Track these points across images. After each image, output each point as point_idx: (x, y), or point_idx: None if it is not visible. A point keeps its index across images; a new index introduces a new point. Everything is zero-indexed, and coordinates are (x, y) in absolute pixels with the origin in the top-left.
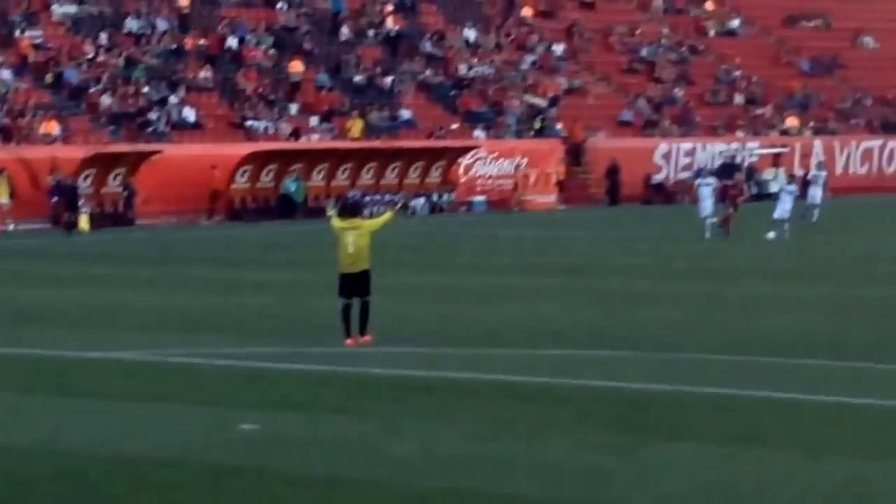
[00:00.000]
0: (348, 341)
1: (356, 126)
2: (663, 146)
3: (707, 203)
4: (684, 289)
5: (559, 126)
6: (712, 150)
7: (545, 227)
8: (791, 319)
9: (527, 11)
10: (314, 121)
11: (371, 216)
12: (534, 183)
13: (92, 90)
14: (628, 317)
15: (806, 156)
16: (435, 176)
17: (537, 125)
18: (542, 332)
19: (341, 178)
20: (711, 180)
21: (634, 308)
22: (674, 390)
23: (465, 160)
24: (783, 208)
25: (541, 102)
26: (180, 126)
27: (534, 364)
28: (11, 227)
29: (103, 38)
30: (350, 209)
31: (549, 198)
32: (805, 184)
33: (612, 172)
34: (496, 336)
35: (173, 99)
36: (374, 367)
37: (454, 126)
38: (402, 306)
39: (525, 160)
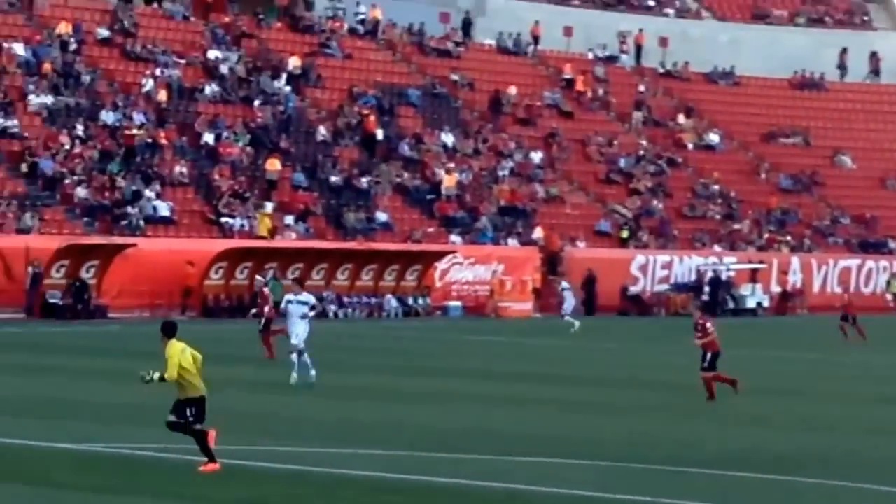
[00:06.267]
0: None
1: (264, 223)
2: (640, 258)
3: None
4: (652, 400)
5: (536, 234)
6: (689, 264)
7: (519, 334)
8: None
9: (505, 119)
10: (289, 219)
11: (346, 318)
12: (510, 290)
13: (67, 181)
14: (587, 425)
15: (784, 272)
16: (411, 279)
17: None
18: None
19: (316, 278)
20: None
21: (598, 417)
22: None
23: (441, 264)
24: None
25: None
26: (155, 220)
27: (485, 469)
28: None
29: (79, 129)
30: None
31: (526, 305)
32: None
33: (589, 282)
34: (444, 440)
35: (148, 192)
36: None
37: (430, 230)
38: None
39: (501, 267)
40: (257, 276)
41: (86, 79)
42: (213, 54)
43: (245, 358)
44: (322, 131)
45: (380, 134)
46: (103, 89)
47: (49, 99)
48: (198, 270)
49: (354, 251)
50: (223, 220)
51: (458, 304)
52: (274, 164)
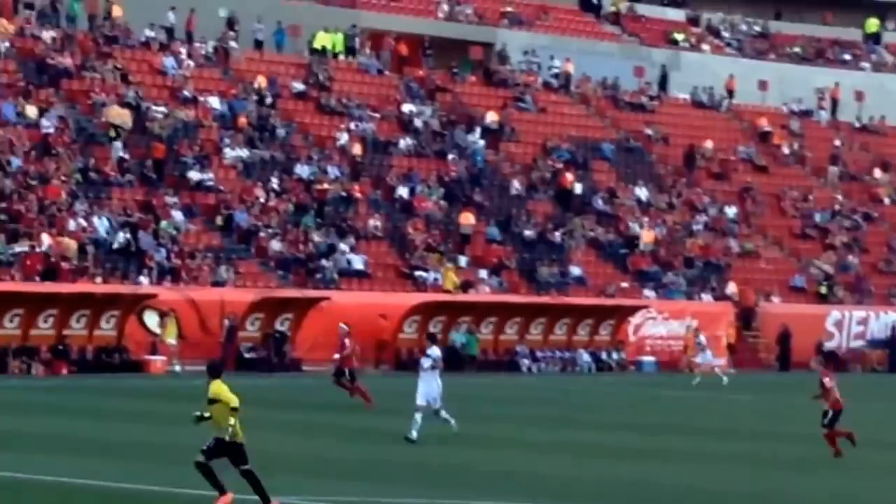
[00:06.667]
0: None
1: (449, 278)
2: (835, 313)
3: None
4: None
5: (730, 289)
6: (885, 320)
7: (713, 389)
8: None
9: (699, 173)
10: (483, 273)
11: (539, 372)
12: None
13: (262, 234)
14: (779, 482)
15: None
16: (604, 334)
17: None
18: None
19: (509, 332)
20: None
21: (792, 473)
22: None
23: (634, 319)
24: None
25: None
26: (349, 273)
27: None
28: (178, 367)
29: (274, 182)
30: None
31: (719, 361)
32: None
33: (784, 337)
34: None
35: (342, 246)
36: None
37: (624, 284)
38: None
39: (695, 322)
40: (341, 325)
41: (281, 132)
42: (407, 108)
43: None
44: (516, 185)
45: (575, 188)
46: (298, 143)
47: (244, 152)
48: (391, 324)
49: (548, 305)
50: (417, 273)
51: (651, 359)
52: (468, 218)
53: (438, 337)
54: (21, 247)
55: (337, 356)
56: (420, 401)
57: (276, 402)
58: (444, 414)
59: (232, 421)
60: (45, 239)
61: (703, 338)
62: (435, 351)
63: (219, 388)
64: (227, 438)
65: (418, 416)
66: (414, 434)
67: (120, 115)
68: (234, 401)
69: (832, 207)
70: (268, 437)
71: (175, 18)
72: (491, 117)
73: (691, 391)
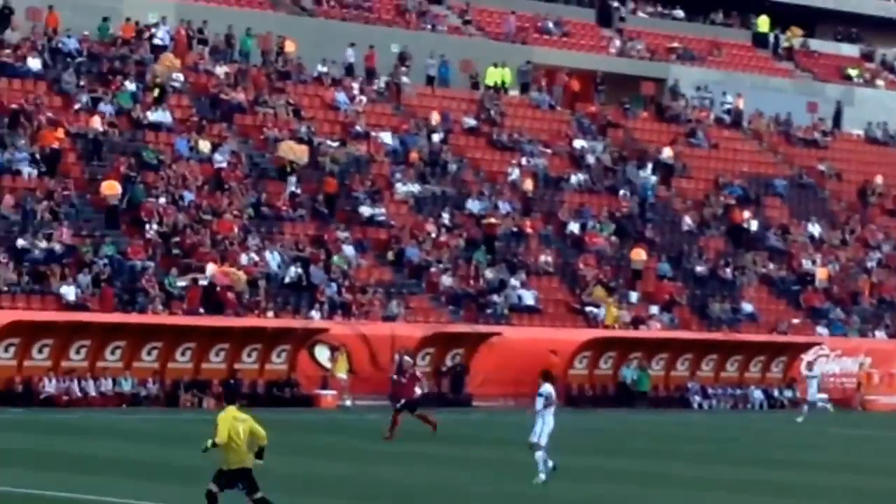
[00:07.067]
0: None
1: (610, 313)
2: None
3: None
4: None
5: None
6: None
7: (887, 428)
8: None
9: (873, 210)
10: (654, 309)
11: (710, 409)
12: (878, 383)
13: (433, 269)
14: None
15: None
16: (776, 371)
17: None
18: None
19: (681, 368)
20: None
21: None
22: None
23: (807, 356)
24: None
25: None
26: (519, 309)
27: None
28: (349, 402)
29: (445, 217)
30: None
31: (894, 398)
32: None
33: None
34: None
35: (514, 281)
36: None
37: (796, 321)
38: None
39: (869, 359)
40: (405, 357)
41: (452, 167)
42: (579, 143)
43: (610, 449)
44: (687, 221)
45: (751, 225)
46: (469, 178)
47: (416, 187)
48: (562, 359)
49: (719, 342)
50: (587, 309)
51: (824, 396)
52: (639, 254)
53: (554, 374)
54: (183, 280)
55: (393, 376)
56: (533, 438)
57: (447, 437)
58: (542, 454)
59: (207, 444)
60: (209, 269)
61: (812, 372)
62: (547, 388)
63: (222, 416)
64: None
65: (538, 456)
66: (542, 477)
67: (295, 150)
68: (220, 436)
69: None
70: (428, 470)
71: (353, 55)
72: (667, 153)
73: (865, 429)
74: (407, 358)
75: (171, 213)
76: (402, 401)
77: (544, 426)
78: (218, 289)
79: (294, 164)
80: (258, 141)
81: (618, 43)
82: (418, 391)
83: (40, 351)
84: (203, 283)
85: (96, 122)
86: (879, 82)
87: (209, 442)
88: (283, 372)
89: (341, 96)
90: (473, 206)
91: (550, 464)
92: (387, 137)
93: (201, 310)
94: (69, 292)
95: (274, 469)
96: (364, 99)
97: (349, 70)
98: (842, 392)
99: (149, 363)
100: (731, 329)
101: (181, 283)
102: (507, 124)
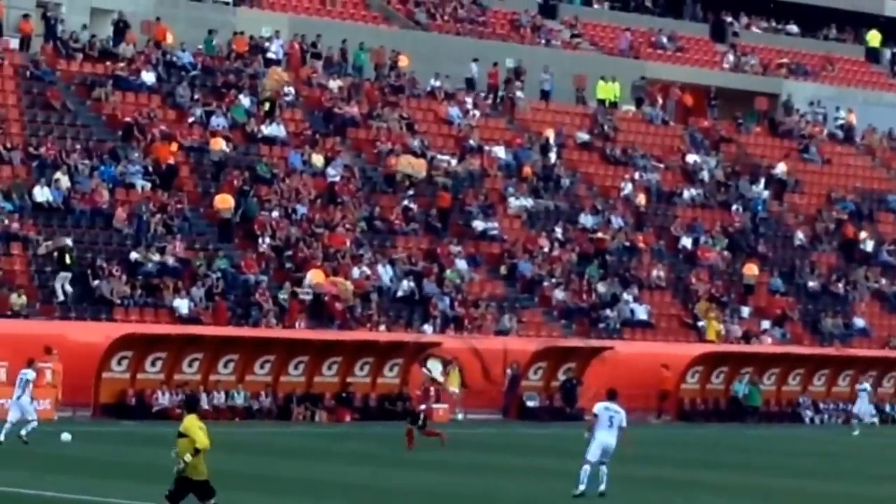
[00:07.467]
0: None
1: (711, 327)
2: None
3: None
4: None
5: None
6: None
7: None
8: None
9: None
10: (766, 324)
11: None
12: None
13: (545, 284)
14: None
15: None
16: (887, 386)
17: None
18: None
19: (792, 383)
20: None
21: None
22: None
23: None
24: None
25: None
26: (632, 323)
27: None
28: (461, 416)
29: (558, 232)
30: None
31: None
32: None
33: None
34: None
35: (626, 296)
36: None
37: None
38: None
39: None
40: (424, 370)
41: (565, 182)
42: (691, 158)
43: (719, 462)
44: (800, 236)
45: (865, 243)
46: (582, 192)
47: (529, 202)
48: (674, 374)
49: (831, 357)
50: (700, 323)
51: None
52: (751, 269)
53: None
54: (285, 292)
55: (423, 407)
56: (589, 456)
57: (559, 451)
58: (606, 469)
59: (188, 458)
60: (310, 276)
61: (866, 385)
62: (596, 406)
63: (191, 423)
64: (177, 472)
65: (586, 468)
66: (581, 489)
67: (413, 165)
68: (202, 441)
69: None
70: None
71: (476, 70)
72: (780, 168)
73: None
74: (424, 371)
75: (283, 226)
76: (422, 416)
77: (592, 441)
78: (325, 298)
79: (412, 178)
80: (371, 155)
81: (731, 58)
82: (423, 407)
83: (153, 364)
84: (306, 294)
85: (211, 137)
86: None
87: (190, 451)
88: (395, 386)
89: (454, 111)
90: (586, 220)
91: (602, 487)
92: (500, 152)
93: (300, 324)
94: (182, 305)
95: (387, 484)
96: (477, 113)
97: (470, 84)
98: None
99: (261, 376)
100: (842, 344)
101: (284, 295)
102: (620, 139)
